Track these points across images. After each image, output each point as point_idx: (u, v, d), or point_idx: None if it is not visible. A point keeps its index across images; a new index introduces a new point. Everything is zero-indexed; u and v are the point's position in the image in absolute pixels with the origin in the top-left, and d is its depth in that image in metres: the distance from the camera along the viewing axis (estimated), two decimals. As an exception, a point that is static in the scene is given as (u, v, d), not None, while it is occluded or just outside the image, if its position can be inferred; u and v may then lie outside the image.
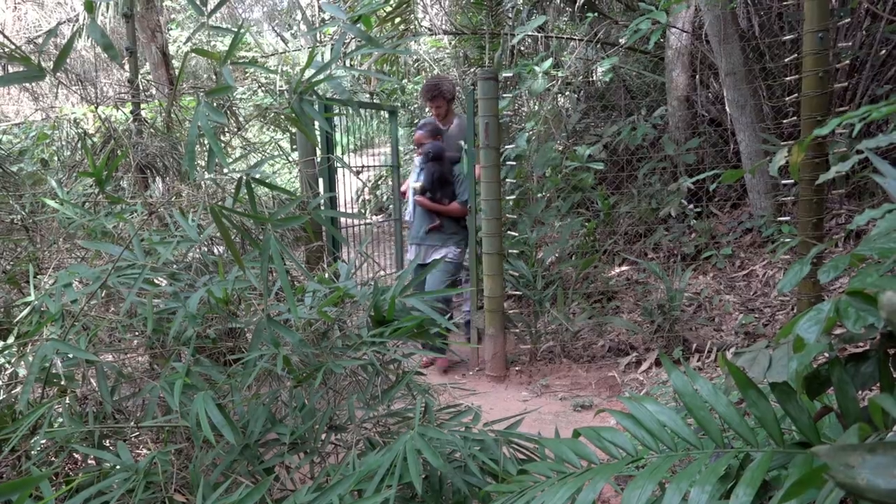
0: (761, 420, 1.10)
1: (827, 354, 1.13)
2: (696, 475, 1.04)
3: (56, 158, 4.41)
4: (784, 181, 5.04)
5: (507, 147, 5.35)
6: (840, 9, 5.13)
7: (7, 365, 1.96)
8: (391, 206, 6.74)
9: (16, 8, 9.03)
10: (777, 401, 1.13)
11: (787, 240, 3.40)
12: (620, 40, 5.73)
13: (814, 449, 0.57)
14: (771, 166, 1.11)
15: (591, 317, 5.00)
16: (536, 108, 6.90)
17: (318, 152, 5.01)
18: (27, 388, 1.63)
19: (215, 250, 3.01)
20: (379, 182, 10.53)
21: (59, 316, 1.84)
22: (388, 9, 7.10)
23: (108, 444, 1.89)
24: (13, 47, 1.63)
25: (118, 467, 1.65)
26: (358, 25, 1.78)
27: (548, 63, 5.05)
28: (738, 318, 4.58)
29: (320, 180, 5.05)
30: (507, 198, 5.71)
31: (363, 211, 10.51)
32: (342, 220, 6.16)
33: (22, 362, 1.94)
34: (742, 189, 5.91)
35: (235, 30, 1.58)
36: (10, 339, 1.94)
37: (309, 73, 1.67)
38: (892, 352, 1.10)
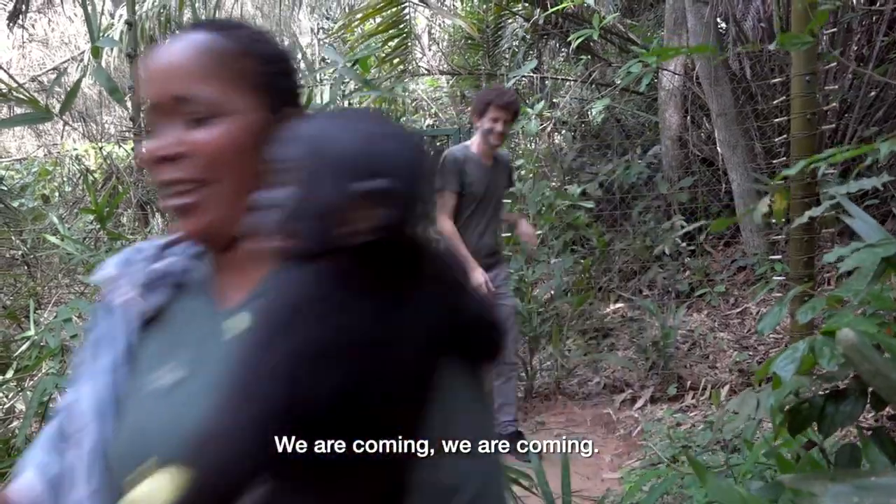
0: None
1: (807, 392, 1.17)
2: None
3: (57, 194, 4.47)
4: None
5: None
6: (827, 52, 5.24)
7: (5, 399, 1.98)
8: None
9: (22, 46, 9.20)
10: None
11: (776, 279, 3.44)
12: (616, 80, 5.85)
13: (780, 477, 0.60)
14: (755, 215, 1.15)
15: (587, 353, 5.01)
16: (532, 146, 7.00)
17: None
18: (26, 422, 1.65)
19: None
20: None
21: (58, 351, 1.86)
22: (388, 50, 7.23)
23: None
24: (19, 88, 1.68)
25: (113, 502, 1.66)
26: (355, 68, 1.84)
27: (540, 105, 5.15)
28: (732, 356, 4.60)
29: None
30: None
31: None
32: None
33: (20, 397, 1.96)
34: (735, 227, 5.97)
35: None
36: (9, 374, 1.96)
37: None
38: (870, 390, 1.14)
